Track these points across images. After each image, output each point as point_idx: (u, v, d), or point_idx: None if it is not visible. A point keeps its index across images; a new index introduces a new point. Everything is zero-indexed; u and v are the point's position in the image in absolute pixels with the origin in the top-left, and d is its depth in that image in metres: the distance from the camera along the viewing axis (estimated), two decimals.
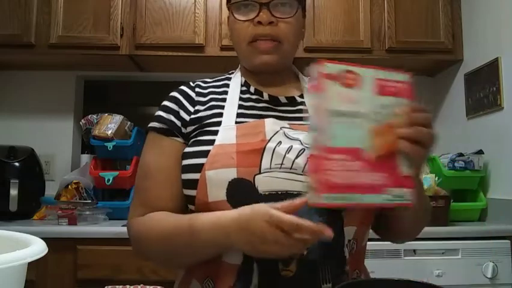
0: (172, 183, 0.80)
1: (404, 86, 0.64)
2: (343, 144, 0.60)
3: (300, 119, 0.82)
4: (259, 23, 0.79)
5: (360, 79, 0.62)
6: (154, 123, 0.85)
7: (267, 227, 0.61)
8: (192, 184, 0.76)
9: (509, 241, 1.70)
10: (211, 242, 0.69)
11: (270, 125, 0.77)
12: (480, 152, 2.00)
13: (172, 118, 0.83)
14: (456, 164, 1.97)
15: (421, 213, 0.80)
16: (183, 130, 0.83)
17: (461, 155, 1.99)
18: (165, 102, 0.87)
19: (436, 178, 1.94)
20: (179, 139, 0.83)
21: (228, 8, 0.86)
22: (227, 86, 0.88)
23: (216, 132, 0.78)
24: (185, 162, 0.78)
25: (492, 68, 1.99)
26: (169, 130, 0.83)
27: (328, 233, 0.59)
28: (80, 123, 2.17)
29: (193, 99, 0.85)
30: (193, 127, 0.82)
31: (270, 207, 0.62)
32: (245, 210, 0.66)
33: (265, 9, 0.79)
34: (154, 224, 0.77)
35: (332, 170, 0.59)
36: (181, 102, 0.85)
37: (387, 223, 0.83)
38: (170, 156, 0.81)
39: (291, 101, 0.86)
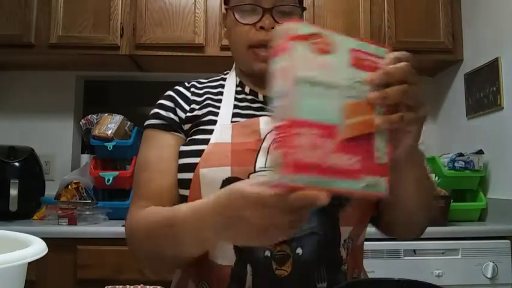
0: (174, 172, 0.78)
1: (383, 61, 0.55)
2: (314, 118, 0.49)
3: None
4: (262, 28, 0.79)
5: (334, 46, 0.51)
6: (152, 120, 0.84)
7: (246, 205, 0.52)
8: (186, 184, 0.75)
9: (509, 241, 1.70)
10: (189, 232, 0.63)
11: (265, 123, 0.76)
12: (480, 152, 2.00)
13: (171, 115, 0.83)
14: (456, 164, 1.97)
15: (423, 196, 0.72)
16: (183, 127, 0.82)
17: (461, 155, 1.99)
18: (161, 101, 0.86)
19: (436, 178, 1.94)
20: (181, 135, 0.82)
21: (227, 9, 0.85)
22: (222, 86, 0.88)
23: (211, 132, 0.77)
24: (180, 161, 0.78)
25: (492, 68, 1.99)
26: (169, 126, 0.82)
27: (322, 197, 0.47)
28: (80, 123, 2.17)
29: (189, 98, 0.85)
30: (189, 125, 0.82)
31: (247, 183, 0.54)
32: (222, 191, 0.58)
33: (268, 15, 0.78)
34: (143, 217, 0.74)
35: (300, 146, 0.47)
36: (176, 100, 0.85)
37: (383, 216, 0.79)
38: (171, 149, 0.80)
39: None
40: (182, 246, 0.65)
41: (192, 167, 0.75)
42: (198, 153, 0.75)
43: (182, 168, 0.77)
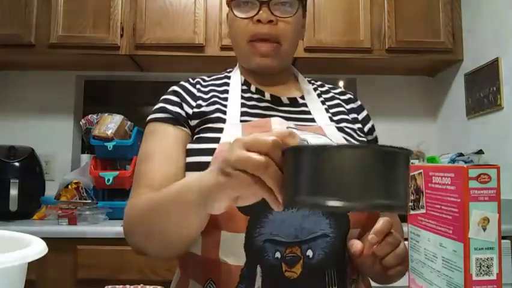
0: (175, 163, 0.76)
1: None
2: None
3: (303, 120, 0.82)
4: (259, 21, 0.79)
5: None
6: (157, 114, 0.82)
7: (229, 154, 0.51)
8: None
9: (509, 241, 1.70)
10: (172, 196, 0.62)
11: (277, 124, 0.75)
12: (480, 152, 2.00)
13: (178, 109, 0.81)
14: (456, 164, 1.97)
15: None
16: (190, 122, 0.81)
17: (461, 155, 1.99)
18: (166, 96, 0.85)
19: None
20: (187, 129, 0.80)
21: (228, 5, 0.85)
22: (227, 84, 0.87)
23: (220, 130, 0.76)
24: (189, 159, 0.76)
25: (492, 68, 1.99)
26: (175, 119, 0.80)
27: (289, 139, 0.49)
28: (80, 123, 2.17)
29: (195, 94, 0.84)
30: (196, 121, 0.80)
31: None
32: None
33: (265, 8, 0.79)
34: (143, 199, 0.71)
35: None
36: (182, 95, 0.84)
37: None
38: (177, 140, 0.78)
39: (293, 101, 0.85)
40: (179, 215, 0.62)
41: (202, 166, 0.73)
42: (208, 152, 0.73)
43: (193, 166, 0.75)
